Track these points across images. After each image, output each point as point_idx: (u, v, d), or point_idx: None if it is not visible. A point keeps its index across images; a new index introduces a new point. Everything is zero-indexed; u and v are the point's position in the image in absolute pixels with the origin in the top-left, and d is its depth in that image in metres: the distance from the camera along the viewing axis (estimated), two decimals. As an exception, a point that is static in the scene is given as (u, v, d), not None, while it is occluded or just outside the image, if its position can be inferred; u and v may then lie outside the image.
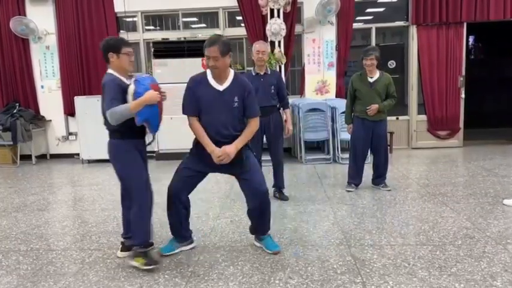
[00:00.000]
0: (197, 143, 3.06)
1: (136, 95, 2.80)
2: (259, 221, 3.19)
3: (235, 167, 3.02)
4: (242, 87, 3.00)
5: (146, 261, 2.92)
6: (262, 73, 4.39)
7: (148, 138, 3.15)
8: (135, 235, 2.97)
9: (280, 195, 4.58)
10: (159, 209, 4.28)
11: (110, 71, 2.95)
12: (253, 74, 4.40)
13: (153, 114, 2.93)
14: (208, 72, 3.00)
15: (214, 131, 2.98)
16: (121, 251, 3.21)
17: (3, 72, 7.57)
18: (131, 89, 2.83)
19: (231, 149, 2.92)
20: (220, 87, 2.98)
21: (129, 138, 2.95)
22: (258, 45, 4.38)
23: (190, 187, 3.16)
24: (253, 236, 3.33)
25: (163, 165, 6.58)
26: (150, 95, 2.81)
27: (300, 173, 5.89)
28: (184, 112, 3.03)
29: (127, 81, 2.94)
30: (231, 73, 3.04)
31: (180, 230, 3.25)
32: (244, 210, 3.21)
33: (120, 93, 2.84)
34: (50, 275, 2.94)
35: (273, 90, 4.36)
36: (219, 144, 2.95)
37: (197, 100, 2.97)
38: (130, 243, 3.02)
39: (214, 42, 2.86)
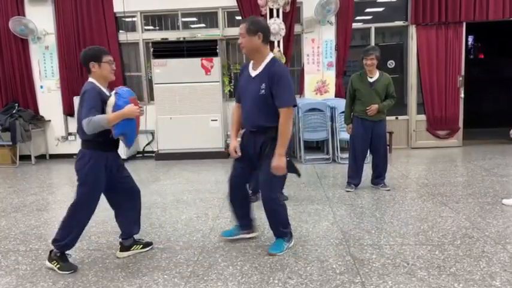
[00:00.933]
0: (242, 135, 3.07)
1: (116, 107, 2.78)
2: (269, 221, 3.19)
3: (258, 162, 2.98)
4: (272, 74, 2.80)
5: (62, 265, 2.95)
6: None
7: (125, 150, 3.14)
8: (60, 241, 2.95)
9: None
10: (158, 209, 4.29)
11: (90, 79, 2.92)
12: None
13: (131, 128, 2.91)
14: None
15: (245, 117, 2.94)
16: (120, 251, 3.21)
17: (3, 73, 7.57)
18: (111, 100, 2.81)
19: (275, 162, 2.81)
20: (254, 73, 2.90)
21: (102, 150, 2.91)
22: None
23: (245, 177, 3.17)
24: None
25: (162, 165, 6.59)
26: (130, 109, 2.80)
27: (299, 173, 5.88)
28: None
29: (107, 92, 2.93)
30: (267, 59, 2.89)
31: (239, 218, 3.30)
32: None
33: (99, 103, 2.81)
34: (49, 275, 2.93)
35: None
36: (252, 133, 2.94)
37: (239, 86, 3.01)
38: (54, 244, 2.97)
39: (245, 20, 2.89)
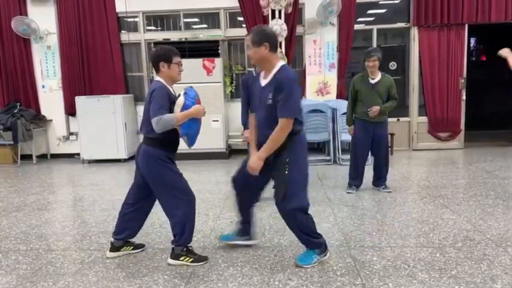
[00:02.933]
0: None
1: (185, 107, 2.81)
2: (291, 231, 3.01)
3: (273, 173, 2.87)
4: (278, 82, 2.71)
5: (194, 258, 3.00)
6: None
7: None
8: (180, 237, 2.98)
9: None
10: (159, 210, 4.28)
11: (158, 78, 2.95)
12: (254, 74, 4.30)
13: (196, 128, 2.95)
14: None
15: (259, 129, 2.87)
16: (110, 251, 3.21)
17: (5, 72, 7.58)
18: (180, 100, 2.84)
19: (251, 162, 2.78)
20: (263, 82, 2.85)
21: (165, 149, 2.94)
22: None
23: (252, 186, 3.02)
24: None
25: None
26: (198, 109, 2.85)
27: (300, 174, 5.87)
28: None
29: (173, 92, 2.98)
30: (277, 67, 2.80)
31: (240, 221, 3.24)
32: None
33: (168, 103, 2.84)
34: (50, 275, 2.93)
35: None
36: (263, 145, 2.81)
37: (249, 96, 2.98)
38: (174, 244, 3.01)
39: (251, 30, 2.86)
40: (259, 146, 2.84)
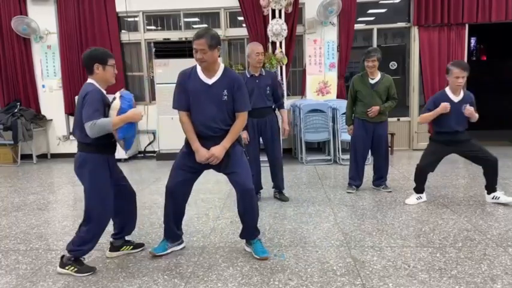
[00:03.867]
0: (188, 140, 3.06)
1: (122, 111, 2.76)
2: (246, 222, 3.12)
3: (220, 165, 3.01)
4: (231, 81, 3.00)
5: (78, 268, 2.91)
6: (257, 74, 4.31)
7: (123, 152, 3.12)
8: (74, 244, 2.91)
9: (281, 196, 4.57)
10: (159, 209, 4.29)
11: (90, 81, 2.87)
12: (248, 75, 4.31)
13: (132, 132, 2.91)
14: (198, 65, 3.03)
15: (204, 125, 2.97)
16: (110, 251, 3.21)
17: (5, 72, 7.58)
18: (116, 104, 2.78)
19: (217, 150, 2.93)
20: (209, 81, 2.99)
21: (103, 153, 2.88)
22: (258, 47, 4.28)
23: (186, 185, 3.12)
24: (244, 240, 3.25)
25: (163, 165, 6.58)
26: (135, 112, 2.82)
27: (300, 174, 5.88)
28: (173, 106, 3.04)
29: (106, 95, 2.91)
30: (221, 67, 3.04)
31: (173, 229, 3.19)
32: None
33: (103, 106, 2.79)
34: (49, 274, 2.93)
35: (268, 91, 4.30)
36: (208, 139, 2.96)
37: (186, 94, 2.98)
38: (68, 248, 2.93)
39: (202, 35, 2.89)
40: (208, 139, 2.97)
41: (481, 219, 3.76)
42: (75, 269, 2.90)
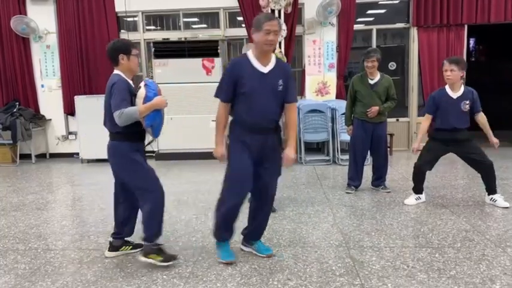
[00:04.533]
0: (238, 135, 2.89)
1: (147, 99, 2.81)
2: (260, 222, 3.12)
3: (264, 157, 2.91)
4: (284, 70, 2.91)
5: (162, 257, 2.94)
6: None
7: (147, 139, 3.13)
8: (148, 232, 2.95)
9: None
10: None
11: (117, 72, 2.94)
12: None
13: (159, 119, 2.95)
14: (250, 54, 2.86)
15: (260, 115, 2.82)
16: (109, 250, 3.21)
17: (4, 71, 7.57)
18: (142, 92, 2.83)
19: (291, 153, 2.87)
20: (265, 69, 2.84)
21: (132, 141, 2.93)
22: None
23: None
24: (242, 239, 3.23)
25: (162, 165, 6.57)
26: (160, 100, 2.85)
27: (299, 174, 5.88)
28: (221, 97, 2.90)
29: (132, 84, 2.96)
30: (273, 55, 2.93)
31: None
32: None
33: (129, 95, 2.85)
34: (48, 274, 2.93)
35: None
36: (261, 132, 2.83)
37: (235, 85, 2.82)
38: (143, 238, 2.98)
39: (274, 17, 2.85)
40: (260, 132, 2.84)
41: (480, 220, 3.76)
42: (160, 258, 2.94)
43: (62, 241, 3.57)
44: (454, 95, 4.10)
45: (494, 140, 4.12)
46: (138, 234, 3.39)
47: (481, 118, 4.24)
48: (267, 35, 2.72)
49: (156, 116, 2.90)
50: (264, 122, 2.85)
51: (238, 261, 3.05)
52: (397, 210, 4.11)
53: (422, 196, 4.37)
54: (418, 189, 4.35)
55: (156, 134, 2.99)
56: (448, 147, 4.17)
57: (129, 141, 2.91)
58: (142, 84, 2.90)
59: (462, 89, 4.16)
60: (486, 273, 2.74)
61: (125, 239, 3.25)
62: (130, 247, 3.25)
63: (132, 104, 2.84)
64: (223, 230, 3.07)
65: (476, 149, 4.16)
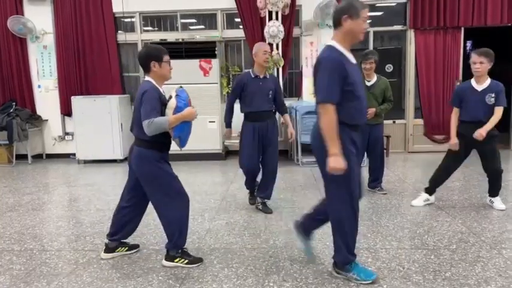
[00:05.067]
0: (345, 139, 2.52)
1: (178, 110, 2.78)
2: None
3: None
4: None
5: (188, 260, 2.98)
6: (261, 76, 4.15)
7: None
8: (173, 238, 2.98)
9: (264, 208, 4.20)
10: (154, 211, 4.27)
11: (148, 79, 2.90)
12: (252, 75, 4.15)
13: (187, 130, 2.92)
14: (338, 46, 2.54)
15: (363, 114, 2.66)
16: (104, 252, 3.20)
17: (1, 71, 7.55)
18: (172, 103, 2.79)
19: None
20: (353, 60, 2.62)
21: (159, 151, 2.90)
22: (265, 46, 4.16)
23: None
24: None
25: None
26: (190, 112, 2.81)
27: (296, 176, 5.88)
28: (329, 98, 2.43)
29: (163, 92, 2.93)
30: None
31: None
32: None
33: (159, 105, 2.80)
34: (44, 275, 2.92)
35: (270, 96, 4.15)
36: (361, 127, 2.63)
37: (344, 82, 2.44)
38: (170, 247, 3.00)
39: (365, 5, 2.64)
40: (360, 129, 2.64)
41: (476, 222, 3.78)
42: (186, 261, 2.97)
43: (57, 242, 3.56)
44: (479, 87, 4.01)
45: (481, 132, 3.83)
46: (137, 236, 3.39)
47: (495, 112, 3.96)
48: (365, 22, 2.55)
49: (185, 127, 2.87)
50: (363, 120, 2.68)
51: (234, 262, 3.05)
52: (393, 212, 4.12)
53: (432, 197, 4.36)
54: (432, 190, 4.33)
55: (182, 144, 2.95)
56: (471, 143, 3.99)
57: (155, 149, 2.88)
58: (173, 93, 2.86)
59: (488, 81, 4.06)
60: (481, 275, 2.75)
61: (121, 240, 3.24)
62: (126, 248, 3.24)
63: (162, 113, 2.80)
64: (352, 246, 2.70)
65: (494, 152, 4.05)
